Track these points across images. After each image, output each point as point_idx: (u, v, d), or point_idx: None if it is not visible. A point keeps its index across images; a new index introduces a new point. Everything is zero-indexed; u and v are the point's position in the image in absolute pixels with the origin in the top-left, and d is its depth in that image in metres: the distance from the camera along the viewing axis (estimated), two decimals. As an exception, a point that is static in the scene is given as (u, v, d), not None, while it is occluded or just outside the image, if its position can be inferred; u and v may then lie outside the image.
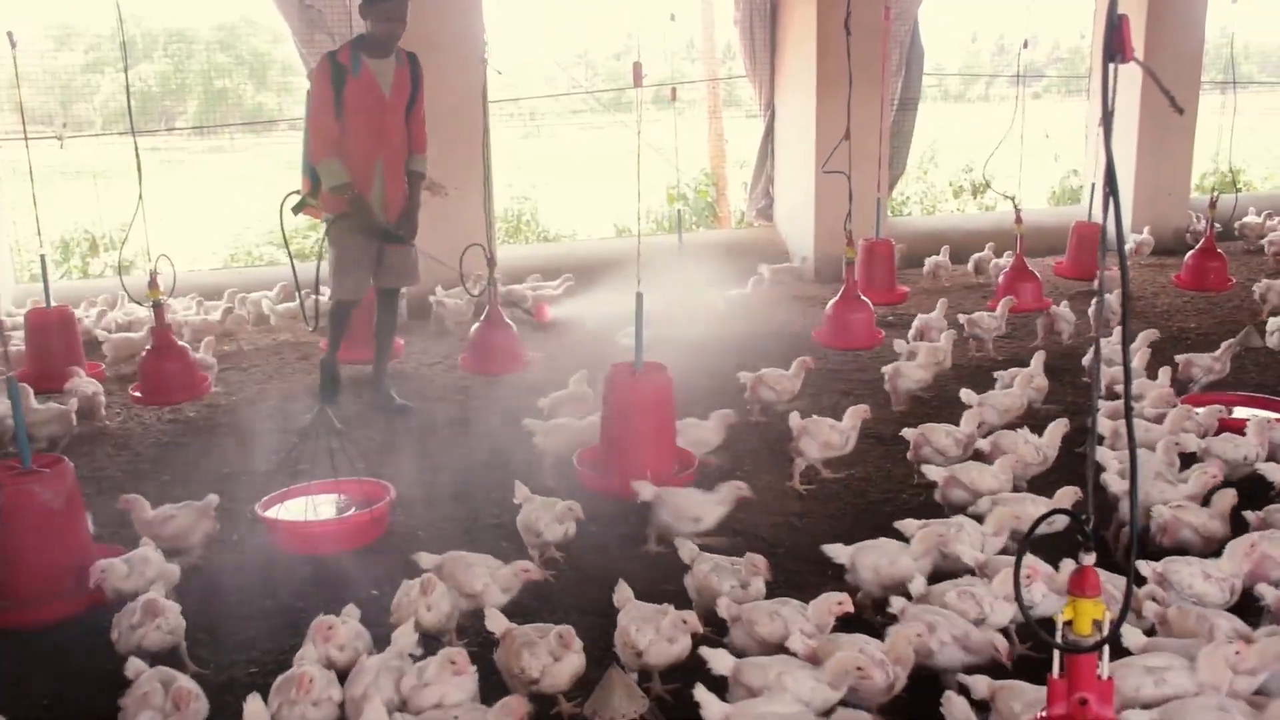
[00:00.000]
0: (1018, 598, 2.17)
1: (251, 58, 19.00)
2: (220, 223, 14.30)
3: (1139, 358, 6.10)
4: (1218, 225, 10.90)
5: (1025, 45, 9.50)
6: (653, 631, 3.29)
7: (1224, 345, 6.19)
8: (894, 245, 8.85)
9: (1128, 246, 10.31)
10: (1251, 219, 11.57)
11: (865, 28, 8.92)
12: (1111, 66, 2.01)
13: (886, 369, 6.13)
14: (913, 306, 8.59)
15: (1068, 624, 2.12)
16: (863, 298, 6.88)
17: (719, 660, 3.10)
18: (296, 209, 5.97)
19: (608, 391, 4.70)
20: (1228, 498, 4.05)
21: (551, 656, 3.13)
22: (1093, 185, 10.35)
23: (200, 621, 3.82)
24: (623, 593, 3.54)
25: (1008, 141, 8.57)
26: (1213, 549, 3.83)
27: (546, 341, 7.88)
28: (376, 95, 5.79)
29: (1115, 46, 1.99)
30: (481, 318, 7.00)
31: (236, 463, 5.52)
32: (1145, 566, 3.16)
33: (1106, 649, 2.12)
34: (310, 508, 4.59)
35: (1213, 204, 8.64)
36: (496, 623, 3.34)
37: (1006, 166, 8.66)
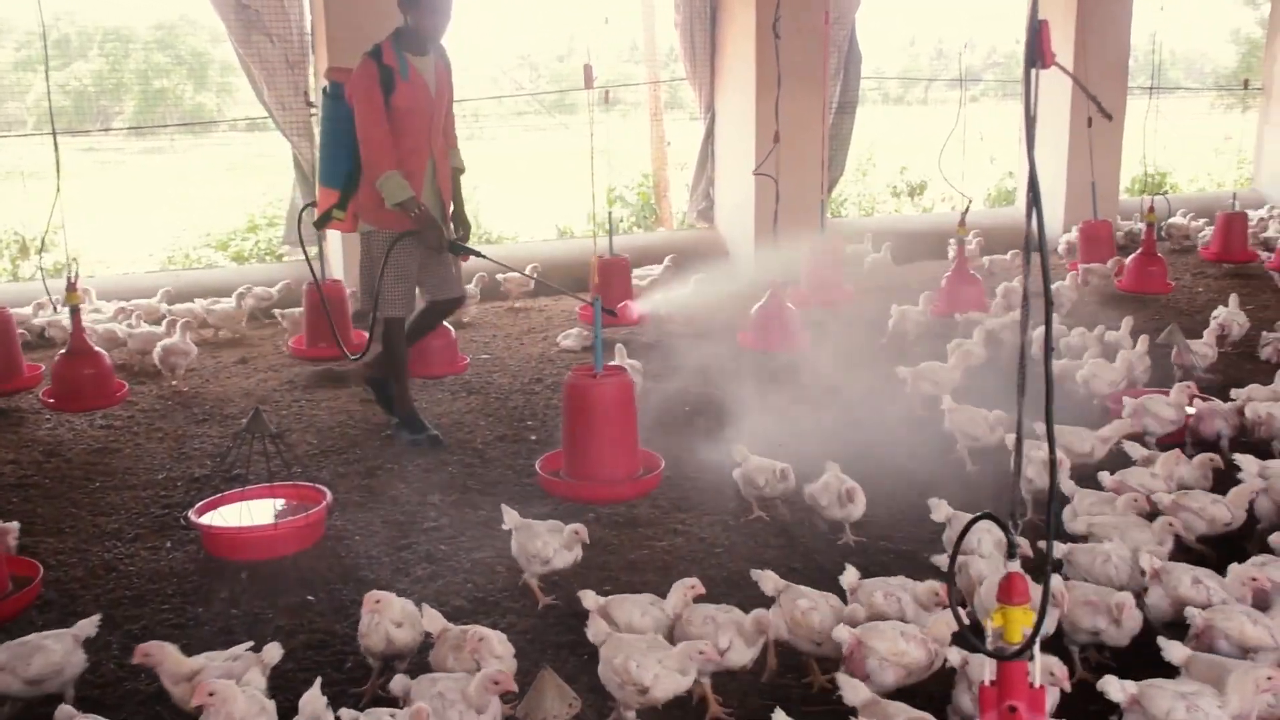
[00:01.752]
0: (951, 604, 2.21)
1: (191, 58, 18.68)
2: (158, 224, 14.08)
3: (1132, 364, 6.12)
4: (1160, 227, 11.19)
5: (965, 48, 9.67)
6: (656, 665, 3.00)
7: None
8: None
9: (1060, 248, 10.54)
10: (1178, 220, 11.85)
11: (805, 31, 9.01)
12: (1034, 72, 2.05)
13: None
14: (857, 305, 8.71)
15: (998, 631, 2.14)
16: (789, 305, 6.94)
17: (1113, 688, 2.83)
18: (320, 224, 5.60)
19: (567, 396, 4.71)
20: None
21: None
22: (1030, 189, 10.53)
23: (131, 630, 3.78)
24: (598, 626, 3.24)
25: (949, 144, 8.70)
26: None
27: (489, 344, 7.89)
28: (427, 96, 5.35)
29: (1036, 52, 2.03)
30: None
31: (170, 467, 5.44)
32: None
33: (1038, 657, 2.14)
34: (245, 513, 4.54)
35: (1151, 208, 8.84)
36: (434, 624, 3.33)
37: (948, 169, 8.78)
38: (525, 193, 16.20)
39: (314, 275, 6.25)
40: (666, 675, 2.98)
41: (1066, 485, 4.31)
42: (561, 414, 4.95)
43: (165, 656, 3.09)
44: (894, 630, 3.11)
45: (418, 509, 4.86)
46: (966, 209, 8.30)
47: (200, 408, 6.44)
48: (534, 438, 5.76)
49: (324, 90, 5.46)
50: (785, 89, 7.42)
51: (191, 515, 4.42)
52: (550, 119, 16.75)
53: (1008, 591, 2.09)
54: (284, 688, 3.32)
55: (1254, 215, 12.19)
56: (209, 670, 3.05)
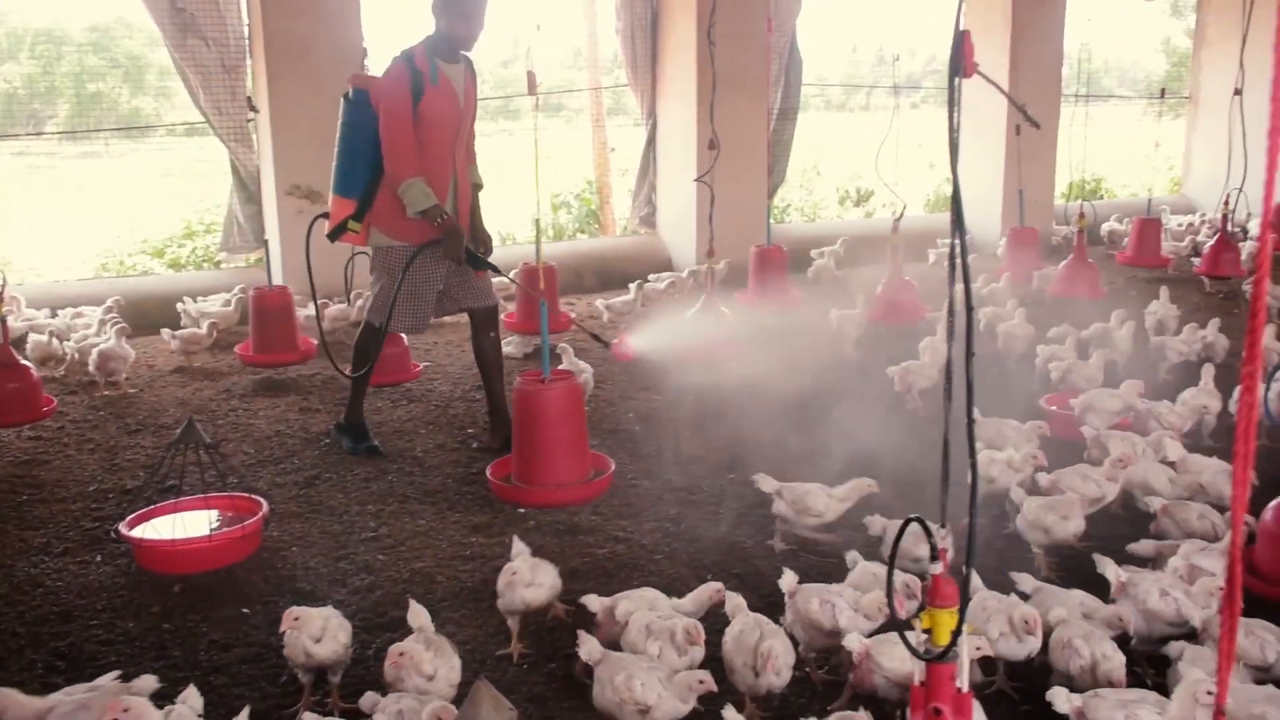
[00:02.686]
0: (890, 609, 2.22)
1: (127, 61, 18.37)
2: (92, 231, 13.81)
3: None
4: (1100, 233, 11.42)
5: (896, 59, 9.81)
6: (658, 684, 2.92)
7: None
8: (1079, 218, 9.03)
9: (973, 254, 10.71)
10: (1115, 225, 12.12)
11: (745, 38, 9.08)
12: (959, 82, 2.08)
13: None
14: (803, 310, 8.78)
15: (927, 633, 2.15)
16: (723, 309, 6.98)
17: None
18: (334, 235, 5.32)
19: (516, 401, 4.69)
20: None
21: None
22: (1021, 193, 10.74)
23: (58, 648, 3.69)
24: (591, 646, 3.11)
25: (886, 150, 8.79)
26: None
27: (430, 351, 7.84)
28: (454, 105, 5.15)
29: (959, 62, 2.06)
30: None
31: (101, 479, 5.33)
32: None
33: (967, 662, 2.15)
34: (179, 525, 4.46)
35: (1081, 214, 9.02)
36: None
37: (888, 175, 8.89)
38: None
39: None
40: (669, 699, 2.91)
41: (1016, 493, 4.34)
42: (511, 420, 4.93)
43: (7, 701, 2.82)
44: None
45: (356, 519, 4.81)
46: (900, 215, 8.41)
47: (134, 418, 6.32)
48: (475, 445, 5.73)
49: (345, 96, 5.22)
50: (727, 96, 7.48)
51: (122, 528, 4.32)
52: (494, 124, 16.70)
53: (933, 594, 2.11)
54: (219, 703, 3.26)
55: (1183, 220, 12.51)
56: (61, 708, 2.84)
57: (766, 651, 3.03)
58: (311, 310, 7.88)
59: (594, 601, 3.47)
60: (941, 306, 7.77)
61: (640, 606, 3.38)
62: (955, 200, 2.03)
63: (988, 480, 4.46)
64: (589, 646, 3.10)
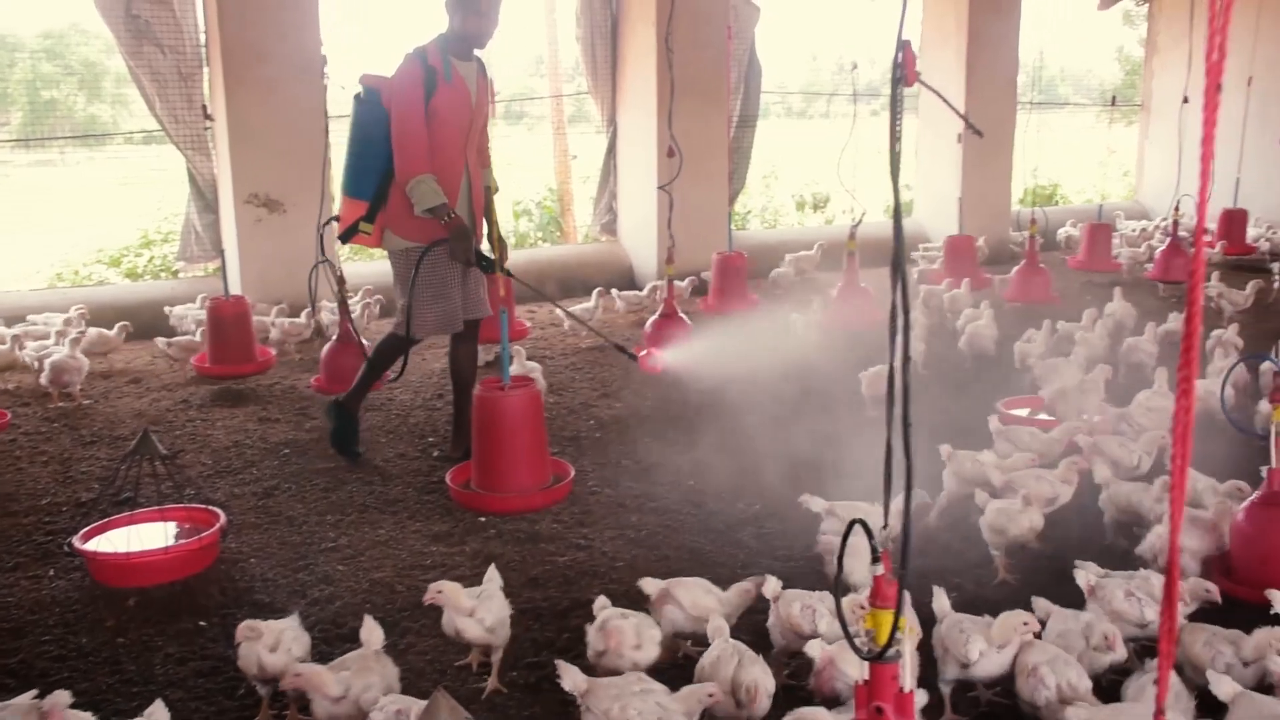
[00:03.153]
0: (839, 616, 2.25)
1: (82, 68, 18.15)
2: (47, 240, 13.62)
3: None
4: (1040, 238, 11.57)
5: (854, 67, 9.89)
6: (657, 710, 2.84)
7: None
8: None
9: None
10: (1071, 231, 12.28)
11: (705, 46, 9.13)
12: (903, 90, 2.11)
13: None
14: (765, 316, 8.84)
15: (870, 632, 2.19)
16: (682, 316, 7.00)
17: None
18: (345, 237, 5.23)
19: (476, 409, 4.68)
20: None
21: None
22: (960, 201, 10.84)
23: (8, 665, 3.64)
24: (574, 678, 2.95)
25: (846, 157, 8.87)
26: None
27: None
28: (467, 104, 5.07)
29: (902, 71, 2.09)
30: (333, 338, 6.84)
31: (55, 492, 5.26)
32: None
33: (909, 662, 2.19)
34: (134, 538, 4.41)
35: (1033, 220, 9.14)
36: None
37: (847, 181, 8.97)
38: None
39: (344, 307, 5.95)
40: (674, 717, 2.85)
41: (979, 496, 4.38)
42: (471, 427, 4.91)
43: None
44: None
45: (316, 529, 4.78)
46: (858, 222, 8.48)
47: (88, 429, 6.24)
48: (436, 454, 5.71)
49: (356, 96, 5.13)
50: (686, 103, 7.51)
51: (76, 541, 4.28)
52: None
53: (873, 594, 2.16)
54: (175, 718, 3.22)
55: (1137, 225, 12.71)
56: None
57: (752, 687, 2.96)
58: (272, 318, 7.85)
59: (650, 584, 3.52)
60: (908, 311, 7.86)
61: (695, 592, 3.49)
62: (896, 209, 2.06)
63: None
64: (571, 677, 2.93)
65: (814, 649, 3.09)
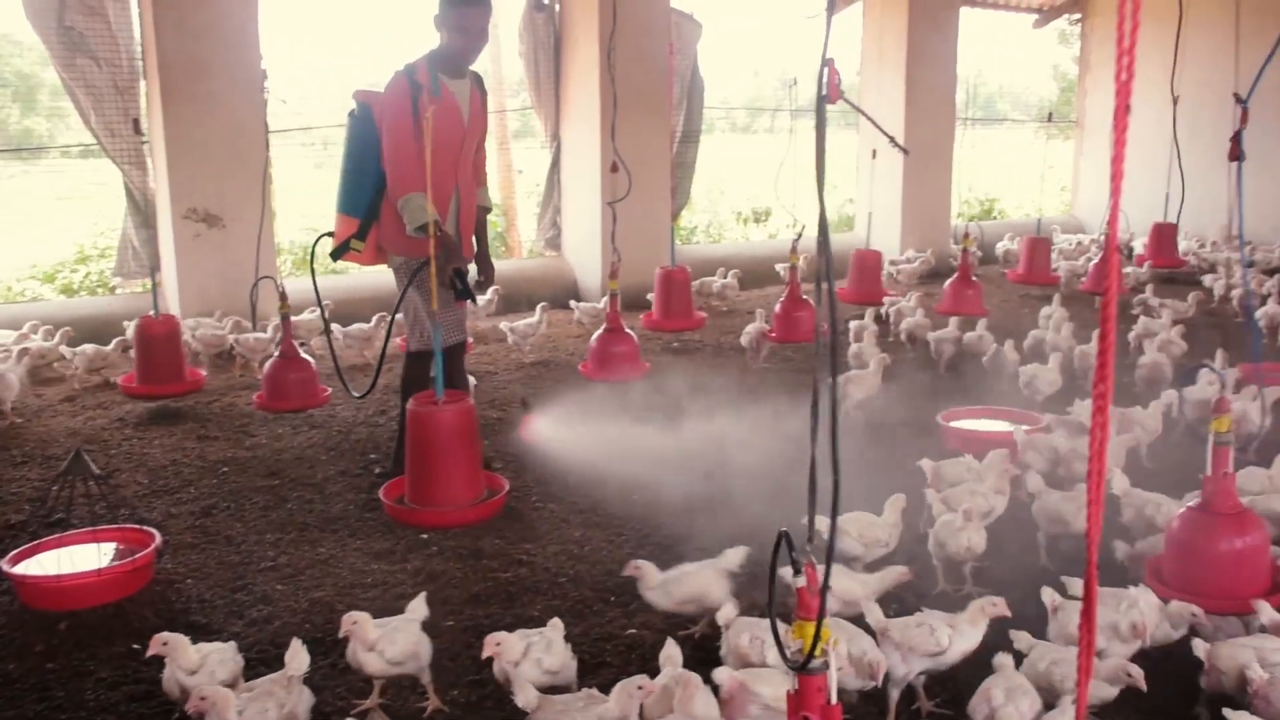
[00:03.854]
0: (771, 623, 2.27)
1: (16, 80, 17.79)
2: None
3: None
4: (979, 252, 11.78)
5: (795, 82, 9.99)
6: None
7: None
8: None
9: (896, 269, 10.96)
10: (1010, 245, 12.51)
11: (647, 61, 9.17)
12: (862, 106, 2.14)
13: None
14: (709, 332, 8.88)
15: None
16: (628, 330, 7.01)
17: None
18: (337, 255, 5.13)
19: (410, 423, 4.64)
20: None
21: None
22: (869, 214, 10.99)
23: (-66, 690, 3.55)
24: (527, 695, 2.96)
25: (787, 171, 8.96)
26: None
27: (332, 376, 7.72)
28: (457, 121, 4.96)
29: (826, 89, 2.12)
30: (276, 353, 6.74)
31: (-15, 515, 5.14)
32: None
33: (834, 675, 2.21)
34: (65, 560, 4.32)
35: (967, 234, 9.30)
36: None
37: (788, 196, 9.06)
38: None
39: (327, 327, 5.79)
40: None
41: (936, 508, 4.43)
42: (404, 441, 4.87)
43: None
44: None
45: (255, 548, 4.72)
46: (799, 236, 8.56)
47: (19, 449, 6.11)
48: (378, 470, 5.66)
49: (350, 113, 5.05)
50: (629, 118, 7.54)
51: (4, 564, 4.17)
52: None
53: (800, 607, 2.18)
54: (106, 743, 3.17)
55: (1073, 239, 12.96)
56: None
57: None
58: (197, 334, 7.70)
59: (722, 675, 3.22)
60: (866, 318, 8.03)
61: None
62: (821, 223, 2.09)
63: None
64: (525, 695, 2.94)
65: (720, 675, 2.98)
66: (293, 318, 8.21)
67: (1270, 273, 10.92)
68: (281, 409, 6.49)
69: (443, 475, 4.53)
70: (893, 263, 11.18)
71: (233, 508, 5.21)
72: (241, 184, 8.33)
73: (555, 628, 3.33)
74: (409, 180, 4.78)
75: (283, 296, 6.38)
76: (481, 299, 8.83)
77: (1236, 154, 4.94)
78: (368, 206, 5.03)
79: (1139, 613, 3.26)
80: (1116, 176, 1.36)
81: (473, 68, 5.07)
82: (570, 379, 7.41)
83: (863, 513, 4.24)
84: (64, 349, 7.33)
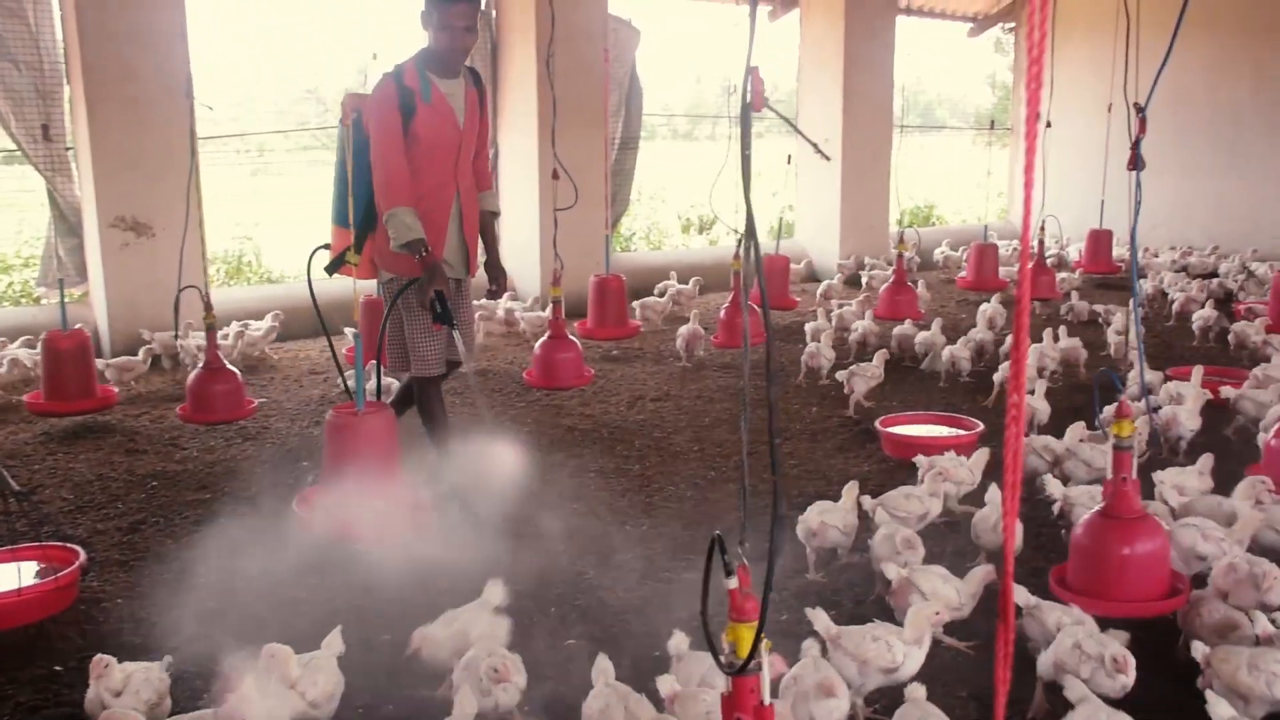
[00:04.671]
0: (706, 633, 2.25)
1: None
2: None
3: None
4: (917, 258, 11.91)
5: (734, 89, 10.03)
6: None
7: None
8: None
9: (831, 282, 11.05)
10: (949, 251, 12.67)
11: (585, 69, 9.14)
12: (799, 115, 2.13)
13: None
14: (648, 340, 8.86)
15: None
16: (571, 337, 6.98)
17: None
18: (332, 269, 4.88)
19: (328, 434, 4.55)
20: None
21: None
22: (781, 219, 11.02)
23: None
24: (824, 621, 3.20)
25: (726, 179, 8.97)
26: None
27: (267, 387, 7.59)
28: (451, 124, 4.71)
29: (752, 97, 2.12)
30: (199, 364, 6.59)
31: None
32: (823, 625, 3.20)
33: (767, 676, 2.22)
34: (-18, 580, 4.17)
35: (902, 239, 9.40)
36: None
37: (727, 203, 9.08)
38: (314, 231, 15.76)
39: (330, 343, 5.16)
40: None
41: (879, 514, 4.41)
42: (323, 452, 4.78)
43: None
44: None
45: (186, 564, 4.59)
46: (740, 242, 8.58)
47: (-61, 466, 5.90)
48: (311, 479, 5.55)
49: (341, 121, 4.80)
50: (568, 126, 7.50)
51: (-82, 586, 4.02)
52: (325, 154, 16.32)
53: (734, 609, 2.19)
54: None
55: (1009, 245, 13.15)
56: None
57: None
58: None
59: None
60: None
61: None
62: (749, 230, 2.08)
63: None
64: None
65: (664, 685, 2.93)
66: (251, 330, 8.16)
67: (1204, 277, 11.17)
68: (205, 421, 6.35)
69: (360, 488, 4.45)
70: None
71: (163, 523, 5.08)
72: (172, 192, 8.11)
73: (330, 645, 3.26)
74: (394, 192, 4.53)
75: (207, 307, 6.24)
76: (502, 305, 8.82)
77: (1135, 163, 4.97)
78: (362, 218, 4.75)
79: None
80: (1028, 185, 1.36)
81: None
82: (507, 387, 7.35)
83: (825, 502, 4.41)
84: None
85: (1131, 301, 4.89)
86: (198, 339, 7.65)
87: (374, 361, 6.50)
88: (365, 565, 4.50)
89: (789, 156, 10.10)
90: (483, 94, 4.89)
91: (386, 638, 3.88)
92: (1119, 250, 12.29)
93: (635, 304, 9.62)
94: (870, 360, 6.81)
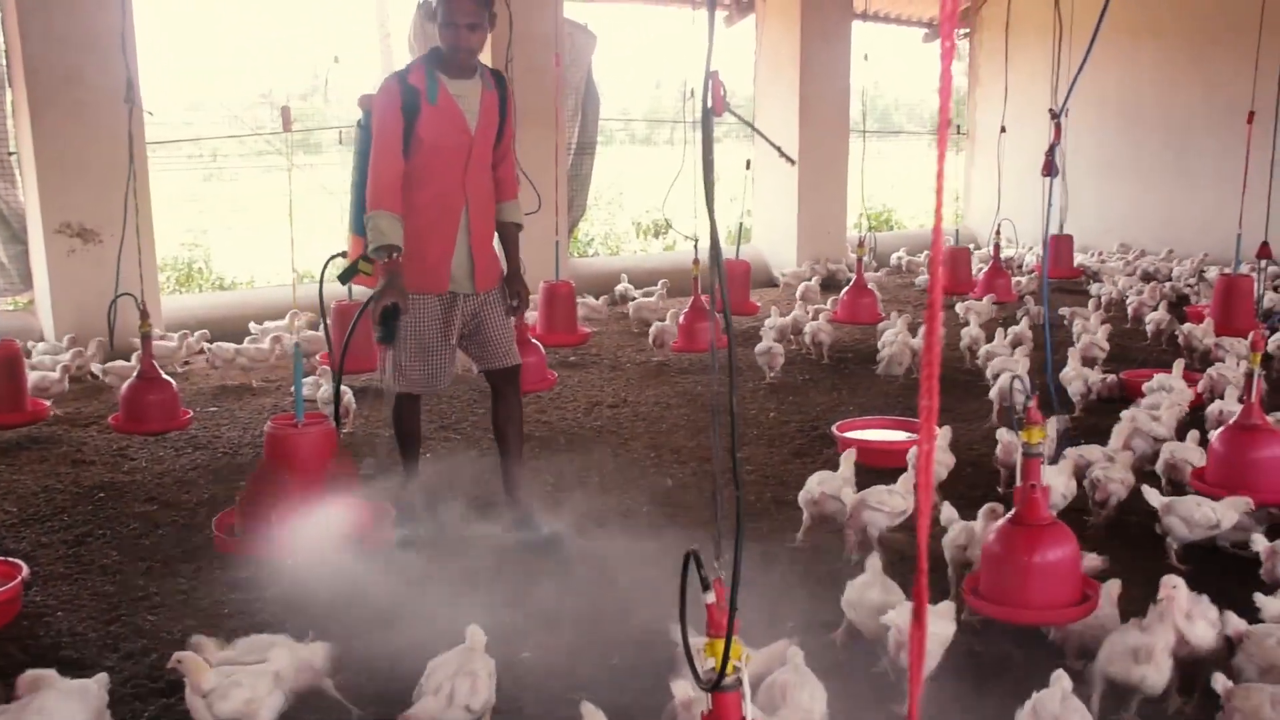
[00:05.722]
0: (685, 647, 2.23)
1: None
2: None
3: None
4: (874, 261, 11.98)
5: (692, 94, 10.02)
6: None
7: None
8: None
9: (806, 284, 11.07)
10: (905, 255, 12.77)
11: (540, 73, 9.10)
12: (758, 119, 2.13)
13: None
14: (591, 348, 8.82)
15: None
16: (534, 341, 6.93)
17: None
18: (345, 277, 4.62)
19: (267, 447, 4.47)
20: None
21: None
22: (741, 224, 11.06)
23: None
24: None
25: (685, 184, 8.96)
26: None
27: (220, 395, 7.48)
28: (460, 128, 4.40)
29: (712, 101, 2.11)
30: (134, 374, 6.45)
31: None
32: None
33: (747, 690, 2.21)
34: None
35: (861, 243, 9.45)
36: None
37: (686, 208, 9.08)
38: (267, 237, 15.61)
39: (328, 344, 5.29)
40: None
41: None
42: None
43: None
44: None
45: (130, 578, 4.50)
46: (697, 245, 8.60)
47: (-123, 478, 5.76)
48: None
49: (358, 123, 4.61)
50: (521, 131, 7.41)
51: None
52: (299, 159, 16.16)
53: (710, 624, 2.17)
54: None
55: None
56: None
57: None
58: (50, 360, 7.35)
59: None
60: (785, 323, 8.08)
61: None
62: (713, 236, 2.06)
63: None
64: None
65: (680, 690, 2.87)
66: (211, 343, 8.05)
67: (1154, 280, 11.30)
68: (139, 431, 6.22)
69: (301, 502, 4.37)
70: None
71: (108, 535, 4.98)
72: (119, 198, 7.97)
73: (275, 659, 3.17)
74: (381, 194, 4.27)
75: (143, 315, 6.13)
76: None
77: (1050, 169, 5.00)
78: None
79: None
80: (939, 191, 1.35)
81: (491, 65, 4.59)
82: (465, 395, 7.27)
83: (824, 472, 4.66)
84: None
85: (1044, 310, 4.99)
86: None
87: (324, 369, 6.45)
88: (292, 580, 4.37)
89: (748, 161, 10.13)
90: (504, 97, 4.58)
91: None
92: (1080, 257, 12.45)
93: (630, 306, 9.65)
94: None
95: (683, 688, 2.89)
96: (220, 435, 6.54)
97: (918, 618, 1.36)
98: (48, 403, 6.68)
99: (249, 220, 17.78)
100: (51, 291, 8.04)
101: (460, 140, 4.42)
